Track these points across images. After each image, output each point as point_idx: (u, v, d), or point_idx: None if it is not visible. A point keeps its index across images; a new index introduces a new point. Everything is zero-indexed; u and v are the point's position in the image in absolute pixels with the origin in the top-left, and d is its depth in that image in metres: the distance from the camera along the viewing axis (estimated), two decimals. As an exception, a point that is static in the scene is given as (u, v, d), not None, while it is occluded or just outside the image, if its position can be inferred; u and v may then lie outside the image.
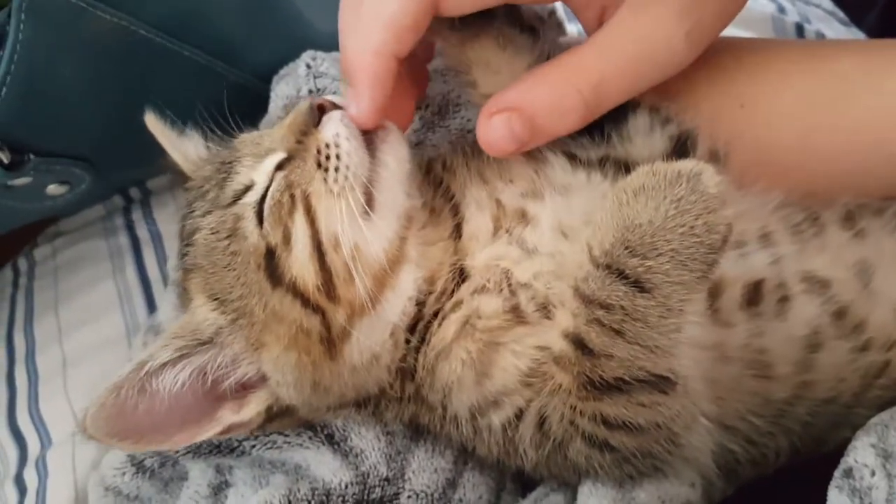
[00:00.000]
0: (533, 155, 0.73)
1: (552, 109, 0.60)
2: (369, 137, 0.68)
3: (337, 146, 0.66)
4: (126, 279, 1.05)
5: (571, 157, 0.73)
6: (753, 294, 0.69)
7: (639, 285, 0.57)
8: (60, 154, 0.87)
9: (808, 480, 0.67)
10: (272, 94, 0.92)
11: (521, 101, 0.61)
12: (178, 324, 0.71)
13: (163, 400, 0.67)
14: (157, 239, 1.08)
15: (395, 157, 0.69)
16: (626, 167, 0.70)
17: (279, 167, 0.69)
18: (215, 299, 0.69)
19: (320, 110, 0.69)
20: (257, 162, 0.71)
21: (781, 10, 1.11)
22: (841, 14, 1.16)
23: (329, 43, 0.92)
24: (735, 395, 0.68)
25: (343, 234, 0.65)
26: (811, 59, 0.77)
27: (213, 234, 0.70)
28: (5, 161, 0.80)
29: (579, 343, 0.60)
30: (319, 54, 0.92)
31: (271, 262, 0.67)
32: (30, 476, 0.90)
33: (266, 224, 0.67)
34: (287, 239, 0.66)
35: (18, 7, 0.73)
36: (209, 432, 0.69)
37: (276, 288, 0.67)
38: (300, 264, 0.66)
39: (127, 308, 1.03)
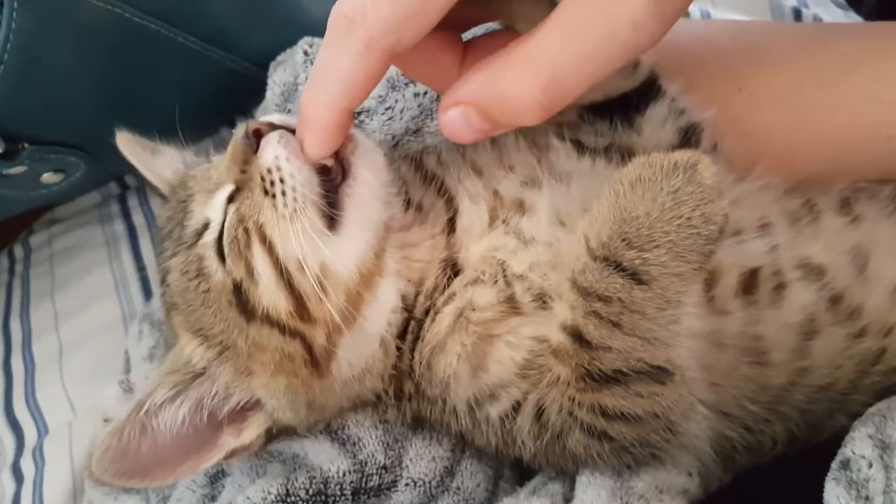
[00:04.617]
0: (537, 142, 0.73)
1: (505, 108, 0.57)
2: (338, 152, 0.66)
3: (279, 169, 0.64)
4: (122, 266, 1.05)
5: (578, 145, 0.72)
6: (749, 282, 0.69)
7: (636, 277, 0.57)
8: (55, 142, 0.86)
9: (804, 470, 0.67)
10: (269, 82, 0.91)
11: (473, 97, 0.57)
12: (169, 359, 0.72)
13: (164, 436, 0.68)
14: (153, 225, 1.07)
15: (370, 168, 0.68)
16: (630, 155, 0.69)
17: (230, 200, 0.68)
18: (199, 335, 0.70)
19: (257, 135, 0.67)
20: (209, 198, 0.70)
21: (779, -7, 1.10)
22: (839, -2, 1.16)
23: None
24: (731, 381, 0.68)
25: (305, 256, 0.64)
26: (809, 42, 0.77)
27: (182, 274, 0.70)
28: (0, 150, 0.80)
29: (577, 335, 0.60)
30: (317, 41, 0.90)
31: (240, 298, 0.67)
32: (27, 465, 0.90)
33: (228, 261, 0.67)
34: (250, 272, 0.66)
35: (12, -7, 0.72)
36: (212, 459, 0.69)
37: (250, 321, 0.67)
38: (269, 294, 0.66)
39: (123, 295, 1.03)
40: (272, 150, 0.65)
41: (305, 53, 0.88)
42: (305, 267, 0.64)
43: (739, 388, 0.69)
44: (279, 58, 0.94)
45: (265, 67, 0.95)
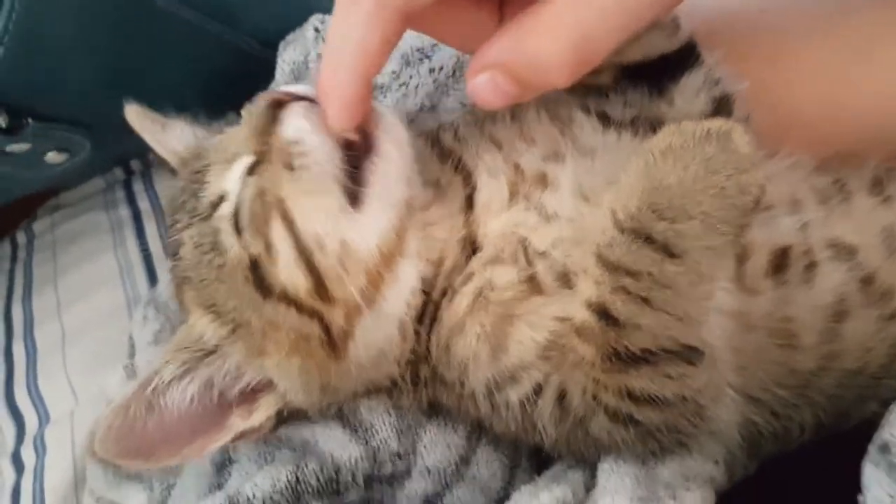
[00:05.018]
0: (559, 115, 0.71)
1: (534, 68, 0.55)
2: (362, 126, 0.63)
3: (301, 142, 0.62)
4: (127, 252, 1.03)
5: (604, 118, 0.70)
6: (780, 260, 0.66)
7: (667, 250, 0.54)
8: (59, 119, 0.84)
9: (831, 458, 0.65)
10: (279, 60, 0.89)
11: (501, 59, 0.56)
12: (179, 336, 0.69)
13: (171, 415, 0.65)
14: (158, 210, 1.06)
15: (395, 143, 0.65)
16: (659, 126, 0.67)
17: (249, 172, 0.66)
18: (211, 311, 0.67)
19: (279, 105, 0.64)
20: (226, 169, 0.67)
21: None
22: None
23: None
24: (759, 364, 0.66)
25: (326, 234, 0.62)
26: (836, 13, 0.75)
27: (196, 248, 0.67)
28: (3, 125, 0.78)
29: (603, 313, 0.57)
30: (328, 17, 0.89)
31: (257, 274, 0.64)
32: (27, 454, 0.89)
33: (245, 235, 0.64)
34: (268, 248, 0.63)
35: (16, -34, 0.71)
36: (220, 441, 0.67)
37: (267, 298, 0.64)
38: (287, 272, 0.63)
39: (128, 281, 1.01)
40: (295, 122, 0.63)
41: (316, 30, 0.87)
42: (326, 244, 0.62)
43: (768, 372, 0.66)
44: (289, 37, 0.92)
45: (272, 47, 0.93)
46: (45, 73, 0.80)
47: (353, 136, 0.63)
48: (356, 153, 0.64)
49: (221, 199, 0.67)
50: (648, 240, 0.54)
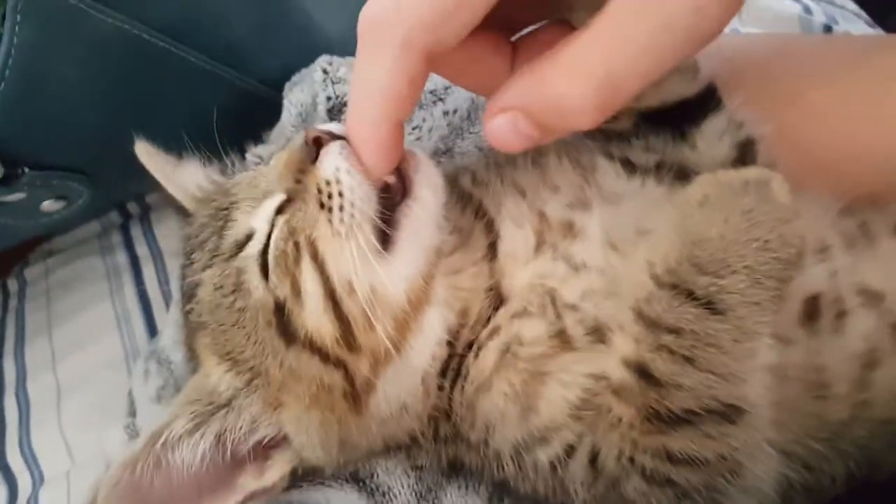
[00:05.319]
0: (581, 161, 0.69)
1: (556, 111, 0.53)
2: (399, 169, 0.62)
3: (338, 182, 0.60)
4: (124, 299, 1.00)
5: (627, 164, 0.68)
6: (811, 308, 0.65)
7: (711, 306, 0.52)
8: (57, 167, 0.81)
9: None
10: (285, 102, 0.87)
11: (520, 102, 0.54)
12: (190, 388, 0.66)
13: (180, 472, 0.62)
14: (157, 256, 1.03)
15: (431, 188, 0.64)
16: (683, 173, 0.65)
17: (279, 211, 0.64)
18: (227, 360, 0.64)
19: (316, 144, 0.63)
20: (255, 206, 0.66)
21: (807, 10, 1.08)
22: (866, 15, 1.13)
23: (341, 48, 0.88)
24: (793, 417, 0.64)
25: (357, 278, 0.60)
26: (853, 54, 0.75)
27: (216, 289, 0.65)
28: (-1, 174, 0.75)
29: (643, 372, 0.55)
30: (335, 59, 0.87)
31: (282, 319, 0.62)
32: (20, 517, 0.84)
33: (272, 277, 0.62)
34: (297, 291, 0.61)
35: (14, 7, 0.69)
36: (230, 501, 0.64)
37: (290, 346, 0.62)
38: (315, 318, 0.61)
39: (125, 330, 0.98)
40: (333, 161, 0.61)
41: (324, 72, 0.85)
42: (356, 288, 0.60)
43: (801, 424, 0.64)
44: (294, 78, 0.90)
45: (278, 88, 0.92)
46: (43, 120, 0.77)
47: (391, 179, 0.62)
48: (390, 195, 0.62)
49: (248, 237, 0.64)
50: (690, 295, 0.53)
